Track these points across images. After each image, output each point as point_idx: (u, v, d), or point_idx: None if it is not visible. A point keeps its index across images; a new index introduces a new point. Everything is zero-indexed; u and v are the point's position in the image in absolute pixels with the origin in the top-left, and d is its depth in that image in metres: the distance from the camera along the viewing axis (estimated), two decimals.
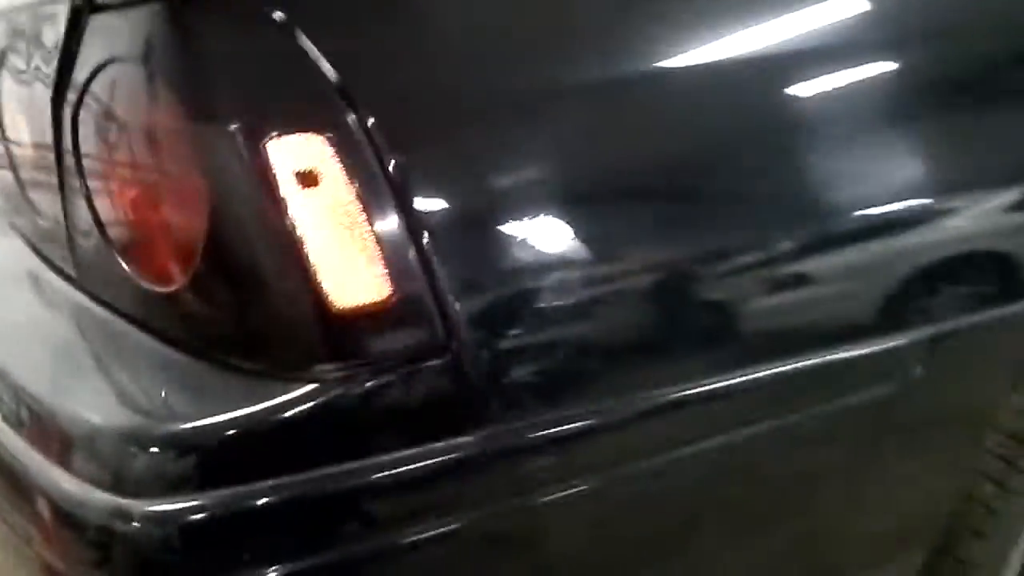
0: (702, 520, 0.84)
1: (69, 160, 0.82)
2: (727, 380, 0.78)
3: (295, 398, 0.65)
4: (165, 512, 0.63)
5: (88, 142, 0.80)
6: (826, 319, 0.81)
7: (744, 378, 0.78)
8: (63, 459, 0.69)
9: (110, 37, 0.75)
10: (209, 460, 0.65)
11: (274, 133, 0.64)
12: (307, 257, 0.65)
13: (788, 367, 0.79)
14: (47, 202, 0.92)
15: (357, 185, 0.65)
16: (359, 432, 0.68)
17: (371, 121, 0.65)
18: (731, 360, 0.78)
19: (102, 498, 0.65)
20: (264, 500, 0.64)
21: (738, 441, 0.80)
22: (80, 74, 0.78)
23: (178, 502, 0.64)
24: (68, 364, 0.80)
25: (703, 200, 0.77)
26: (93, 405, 0.71)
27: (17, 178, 1.02)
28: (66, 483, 0.67)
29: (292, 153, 0.65)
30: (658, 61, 0.75)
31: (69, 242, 0.87)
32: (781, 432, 0.82)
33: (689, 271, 0.76)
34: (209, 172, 0.67)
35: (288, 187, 0.64)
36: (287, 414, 0.65)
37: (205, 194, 0.67)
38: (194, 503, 0.64)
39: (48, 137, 0.85)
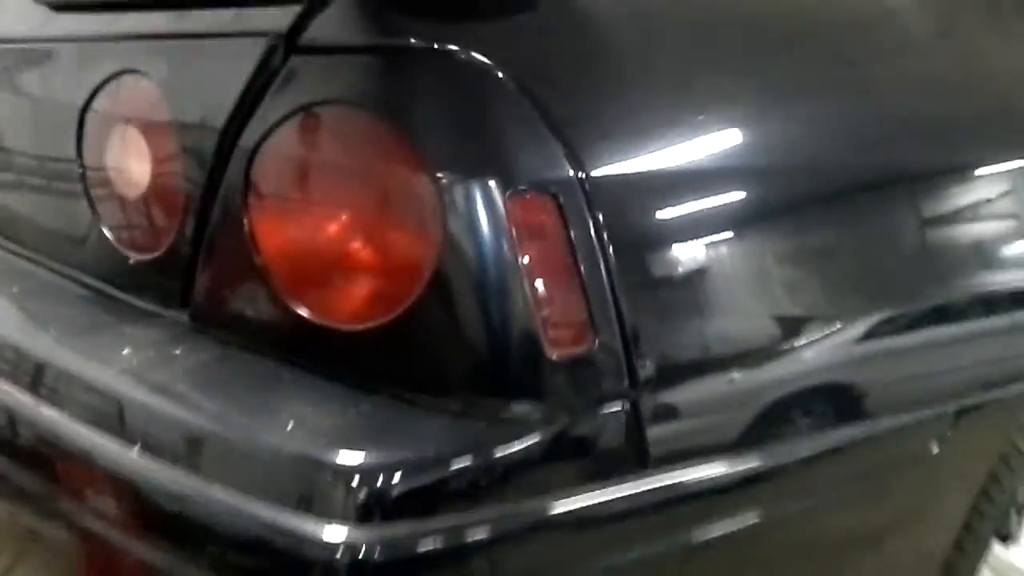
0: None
1: (231, 196, 0.81)
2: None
3: (505, 435, 0.71)
4: (392, 538, 0.67)
5: (268, 179, 0.79)
6: None
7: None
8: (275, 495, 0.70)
9: (316, 79, 0.78)
10: (429, 492, 0.69)
11: (511, 190, 0.70)
12: (530, 304, 0.71)
13: None
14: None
15: (575, 242, 0.72)
16: (553, 468, 0.73)
17: (591, 185, 0.72)
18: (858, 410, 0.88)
19: (331, 528, 0.67)
20: (471, 531, 0.69)
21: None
22: (269, 112, 0.78)
23: (399, 529, 0.67)
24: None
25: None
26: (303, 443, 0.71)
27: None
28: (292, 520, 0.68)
29: (526, 209, 0.71)
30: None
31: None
32: None
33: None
34: (441, 219, 0.71)
35: (519, 240, 0.70)
36: (499, 451, 0.70)
37: (434, 240, 0.71)
38: (415, 530, 0.67)
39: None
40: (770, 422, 0.83)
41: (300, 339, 0.78)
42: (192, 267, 0.84)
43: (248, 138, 0.79)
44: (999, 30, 1.18)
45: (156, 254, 0.87)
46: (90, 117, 0.93)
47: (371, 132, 0.75)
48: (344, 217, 0.75)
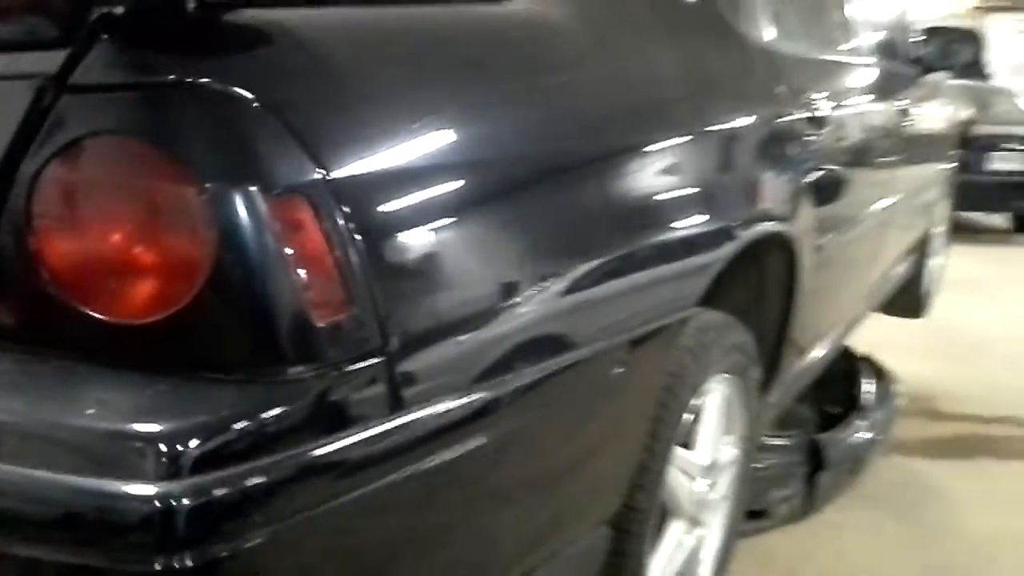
0: None
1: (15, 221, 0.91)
2: None
3: (283, 393, 0.86)
4: (193, 488, 0.79)
5: (50, 204, 0.90)
6: None
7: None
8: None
9: (87, 113, 0.91)
10: (222, 448, 0.81)
11: (269, 194, 0.87)
12: (295, 286, 0.87)
13: None
14: None
15: (327, 232, 0.89)
16: (325, 415, 0.89)
17: (335, 185, 0.91)
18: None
19: (144, 487, 0.78)
20: (256, 476, 0.82)
21: None
22: (44, 146, 0.90)
23: (198, 481, 0.80)
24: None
25: None
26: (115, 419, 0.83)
27: None
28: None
29: (284, 209, 0.88)
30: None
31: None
32: None
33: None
34: (213, 223, 0.86)
35: (280, 234, 0.87)
36: (278, 407, 0.85)
37: (207, 241, 0.86)
38: (213, 480, 0.80)
39: None
40: (492, 364, 1.06)
41: (97, 339, 0.90)
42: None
43: (26, 170, 0.90)
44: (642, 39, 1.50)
45: None
46: None
47: (144, 156, 0.89)
48: (124, 230, 0.90)
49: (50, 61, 0.91)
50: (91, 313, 0.89)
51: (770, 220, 1.67)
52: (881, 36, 2.87)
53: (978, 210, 7.98)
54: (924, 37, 3.12)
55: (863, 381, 3.10)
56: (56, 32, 0.94)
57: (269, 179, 0.87)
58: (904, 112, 2.82)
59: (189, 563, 0.78)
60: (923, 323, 4.28)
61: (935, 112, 3.39)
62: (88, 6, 0.90)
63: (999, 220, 8.33)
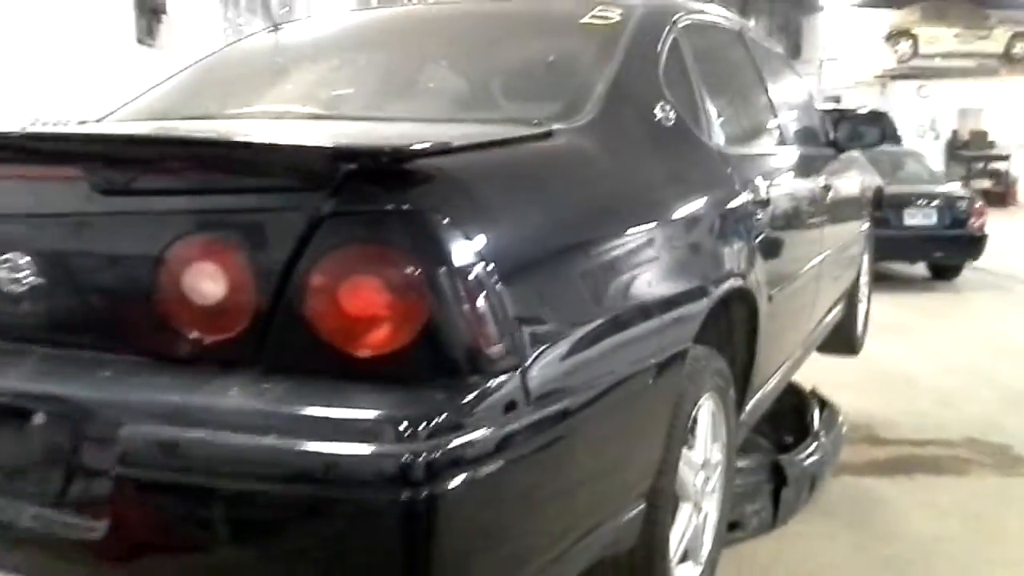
0: None
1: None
2: None
3: (467, 393, 1.32)
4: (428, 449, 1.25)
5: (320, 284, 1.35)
6: None
7: None
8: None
9: (343, 230, 1.35)
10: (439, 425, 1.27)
11: (458, 274, 1.35)
12: (470, 329, 1.34)
13: None
14: None
15: (489, 297, 1.37)
16: (489, 409, 1.34)
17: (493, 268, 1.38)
18: None
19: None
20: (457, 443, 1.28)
21: None
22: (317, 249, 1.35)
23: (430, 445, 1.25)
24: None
25: None
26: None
27: None
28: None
29: (464, 284, 1.36)
30: None
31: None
32: None
33: None
34: (425, 294, 1.32)
35: (463, 299, 1.34)
36: (465, 401, 1.32)
37: (423, 305, 1.32)
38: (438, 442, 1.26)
39: None
40: (581, 375, 1.53)
41: (353, 366, 1.34)
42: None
43: (302, 266, 1.35)
44: None
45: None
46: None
47: (381, 255, 1.34)
48: (370, 299, 1.33)
49: (316, 198, 1.35)
50: (348, 350, 1.33)
51: (734, 277, 2.18)
52: (801, 127, 3.46)
53: (899, 260, 8.68)
54: (835, 123, 3.71)
55: (812, 412, 3.55)
56: (321, 179, 1.35)
57: (455, 265, 1.32)
58: (825, 185, 3.39)
59: (423, 494, 1.22)
60: (857, 362, 4.78)
61: (850, 182, 3.97)
62: (340, 163, 1.34)
63: (919, 269, 9.03)
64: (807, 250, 3.08)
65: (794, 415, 3.58)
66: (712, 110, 2.39)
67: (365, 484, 1.24)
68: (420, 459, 1.22)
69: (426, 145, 1.40)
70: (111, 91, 6.77)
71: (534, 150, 1.70)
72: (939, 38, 18.05)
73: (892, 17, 18.53)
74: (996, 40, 18.02)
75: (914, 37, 18.01)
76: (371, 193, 1.35)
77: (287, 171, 1.41)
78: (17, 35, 4.66)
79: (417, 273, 1.31)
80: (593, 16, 2.24)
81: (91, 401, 1.42)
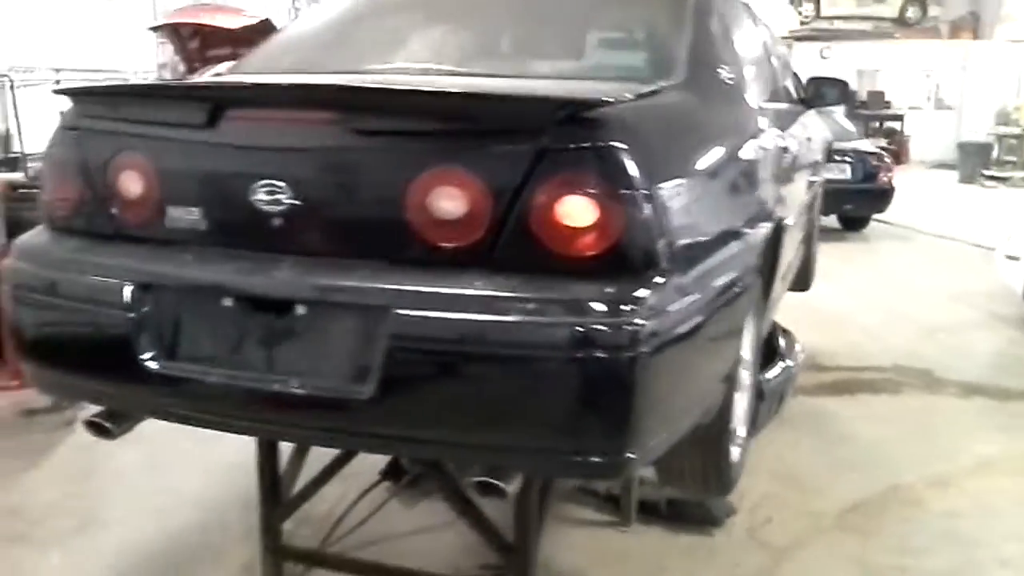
0: None
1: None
2: None
3: (643, 285, 1.77)
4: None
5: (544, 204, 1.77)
6: None
7: None
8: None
9: (558, 163, 1.76)
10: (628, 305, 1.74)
11: (637, 192, 1.78)
12: (647, 237, 1.80)
13: None
14: None
15: (658, 214, 1.82)
16: (657, 297, 1.79)
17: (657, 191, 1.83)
18: None
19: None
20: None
21: None
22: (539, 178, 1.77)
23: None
24: None
25: None
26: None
27: None
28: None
29: (643, 200, 1.80)
30: None
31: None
32: None
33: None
34: (618, 209, 1.77)
35: (641, 215, 1.79)
36: (644, 291, 1.77)
37: (619, 218, 1.76)
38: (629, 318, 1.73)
39: None
40: (708, 279, 2.00)
41: (567, 265, 1.77)
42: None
43: (527, 193, 1.77)
44: None
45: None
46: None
47: (587, 181, 1.76)
48: (583, 214, 1.76)
49: (537, 137, 1.76)
50: (562, 252, 1.77)
51: (779, 208, 2.71)
52: (788, 86, 3.96)
53: None
54: (805, 84, 4.24)
55: (778, 338, 4.09)
56: (541, 122, 1.76)
57: (639, 187, 1.76)
58: (807, 136, 3.96)
59: (636, 353, 1.71)
60: (792, 302, 5.37)
61: (817, 134, 4.53)
62: (555, 110, 1.75)
63: (831, 221, 9.75)
64: (799, 191, 3.64)
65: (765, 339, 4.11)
66: (746, 72, 2.86)
67: (594, 346, 1.69)
68: (630, 328, 1.70)
69: (611, 98, 1.79)
70: (62, 35, 6.82)
71: (660, 102, 2.11)
72: (839, 1, 18.96)
73: None
74: (891, 5, 19.01)
75: (817, 0, 18.86)
76: (579, 133, 1.75)
77: (515, 116, 1.81)
78: None
79: (615, 193, 1.74)
80: None
81: (362, 291, 1.81)
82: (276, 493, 2.52)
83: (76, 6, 7.31)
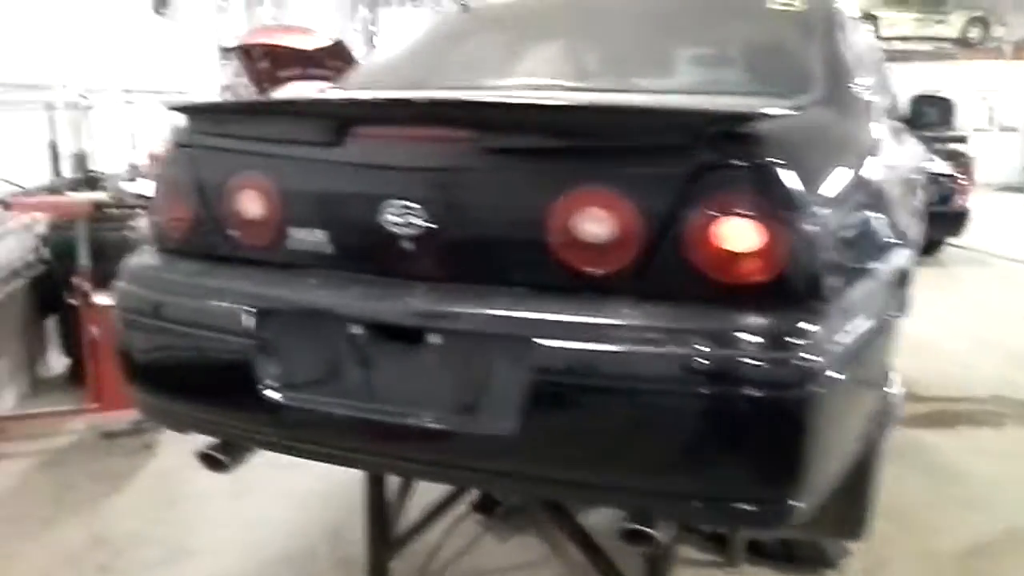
0: None
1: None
2: None
3: (808, 314, 1.63)
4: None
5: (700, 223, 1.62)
6: None
7: None
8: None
9: (716, 181, 1.62)
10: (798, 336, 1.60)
11: (800, 215, 1.65)
12: (816, 263, 1.66)
13: None
14: None
15: (818, 236, 1.67)
16: (822, 326, 1.63)
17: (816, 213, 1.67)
18: None
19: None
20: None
21: None
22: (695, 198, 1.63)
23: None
24: None
25: None
26: None
27: None
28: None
29: (805, 222, 1.66)
30: None
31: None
32: None
33: None
34: (782, 234, 1.62)
35: (805, 238, 1.65)
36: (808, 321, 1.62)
37: (782, 245, 1.61)
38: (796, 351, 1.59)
39: None
40: (863, 303, 1.81)
41: (720, 293, 1.62)
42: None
43: (682, 212, 1.64)
44: None
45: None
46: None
47: (742, 202, 1.62)
48: (741, 238, 1.61)
49: (693, 154, 1.62)
50: (719, 279, 1.62)
51: (910, 232, 2.50)
52: (894, 103, 3.80)
53: None
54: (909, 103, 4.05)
55: None
56: (697, 138, 1.62)
57: (804, 209, 1.63)
58: (919, 157, 3.83)
59: (805, 392, 1.56)
60: None
61: (921, 156, 4.35)
62: (713, 126, 1.63)
63: None
64: (920, 213, 3.45)
65: None
66: (871, 88, 2.69)
67: (760, 384, 1.55)
68: (800, 364, 1.56)
69: (771, 112, 1.67)
70: (130, 57, 6.87)
71: (810, 118, 1.99)
72: (899, 22, 18.65)
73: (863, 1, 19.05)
74: (952, 25, 18.67)
75: (875, 20, 18.57)
76: (739, 149, 1.61)
77: (669, 132, 1.67)
78: (45, 4, 4.78)
79: (780, 214, 1.60)
80: (782, 3, 2.55)
81: (502, 320, 1.69)
82: (384, 530, 2.41)
83: (142, 28, 7.37)
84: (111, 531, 3.04)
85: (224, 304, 1.90)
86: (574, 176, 1.69)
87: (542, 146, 1.73)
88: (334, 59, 6.72)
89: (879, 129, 2.55)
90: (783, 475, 1.61)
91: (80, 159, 5.09)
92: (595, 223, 1.67)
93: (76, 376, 4.34)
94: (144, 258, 2.16)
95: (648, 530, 1.65)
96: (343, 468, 2.18)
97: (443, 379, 1.76)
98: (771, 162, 1.62)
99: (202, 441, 2.07)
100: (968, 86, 17.31)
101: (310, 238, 1.88)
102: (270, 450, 1.98)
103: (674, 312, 1.62)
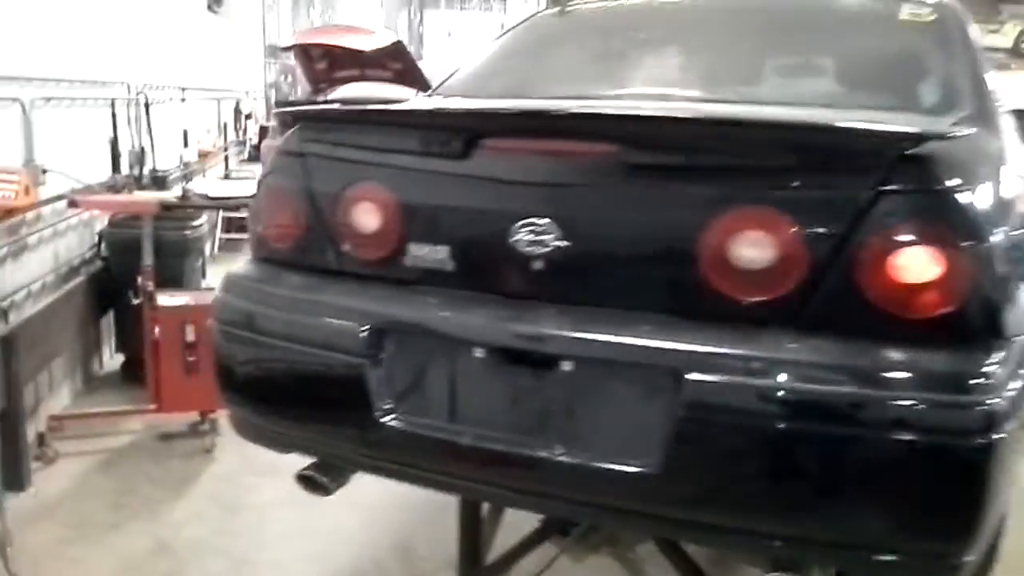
0: None
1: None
2: None
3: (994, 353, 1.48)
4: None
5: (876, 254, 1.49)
6: None
7: None
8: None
9: (897, 206, 1.48)
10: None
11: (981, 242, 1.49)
12: (997, 297, 1.50)
13: None
14: None
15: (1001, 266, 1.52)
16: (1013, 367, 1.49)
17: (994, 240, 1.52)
18: None
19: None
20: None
21: None
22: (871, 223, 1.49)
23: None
24: None
25: None
26: None
27: None
28: None
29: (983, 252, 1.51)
30: None
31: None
32: None
33: None
34: (969, 265, 1.48)
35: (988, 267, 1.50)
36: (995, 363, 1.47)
37: (965, 275, 1.47)
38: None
39: None
40: None
41: (891, 327, 1.48)
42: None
43: (856, 238, 1.49)
44: None
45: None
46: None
47: (929, 232, 1.48)
48: (925, 269, 1.47)
49: (869, 177, 1.49)
50: (893, 313, 1.48)
51: None
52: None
53: None
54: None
55: None
56: (876, 160, 1.49)
57: (984, 237, 1.49)
58: None
59: (990, 439, 1.42)
60: None
61: None
62: (893, 146, 1.48)
63: None
64: None
65: None
66: (1002, 103, 2.50)
67: (940, 429, 1.41)
68: (983, 409, 1.42)
69: (949, 132, 1.54)
70: (185, 54, 6.85)
71: (976, 138, 1.80)
72: None
73: None
74: (1006, 35, 18.28)
75: None
76: (922, 172, 1.48)
77: (842, 151, 1.54)
78: (104, 3, 4.75)
79: (963, 244, 1.47)
80: (910, 14, 2.36)
81: (648, 350, 1.56)
82: (476, 557, 2.30)
83: (195, 25, 7.36)
84: (174, 539, 2.97)
85: (335, 321, 1.79)
86: (732, 196, 1.56)
87: (696, 163, 1.60)
88: (393, 60, 6.62)
89: (1018, 145, 2.38)
90: (960, 528, 1.47)
91: (139, 156, 5.04)
92: (755, 247, 1.53)
93: (130, 375, 4.31)
94: (244, 268, 2.05)
95: None
96: None
97: (577, 410, 1.63)
98: (954, 186, 1.48)
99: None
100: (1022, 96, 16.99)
101: (431, 255, 1.77)
102: (376, 473, 1.86)
103: (842, 348, 1.48)
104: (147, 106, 5.23)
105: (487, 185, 1.72)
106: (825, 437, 1.46)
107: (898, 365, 1.45)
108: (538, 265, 1.66)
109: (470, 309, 1.71)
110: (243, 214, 8.05)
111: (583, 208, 1.66)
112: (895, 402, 1.43)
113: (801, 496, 1.51)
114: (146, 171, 5.04)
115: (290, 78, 12.31)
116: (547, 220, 1.64)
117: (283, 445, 1.96)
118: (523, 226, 1.65)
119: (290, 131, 1.99)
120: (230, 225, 7.25)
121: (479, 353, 1.68)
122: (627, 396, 1.59)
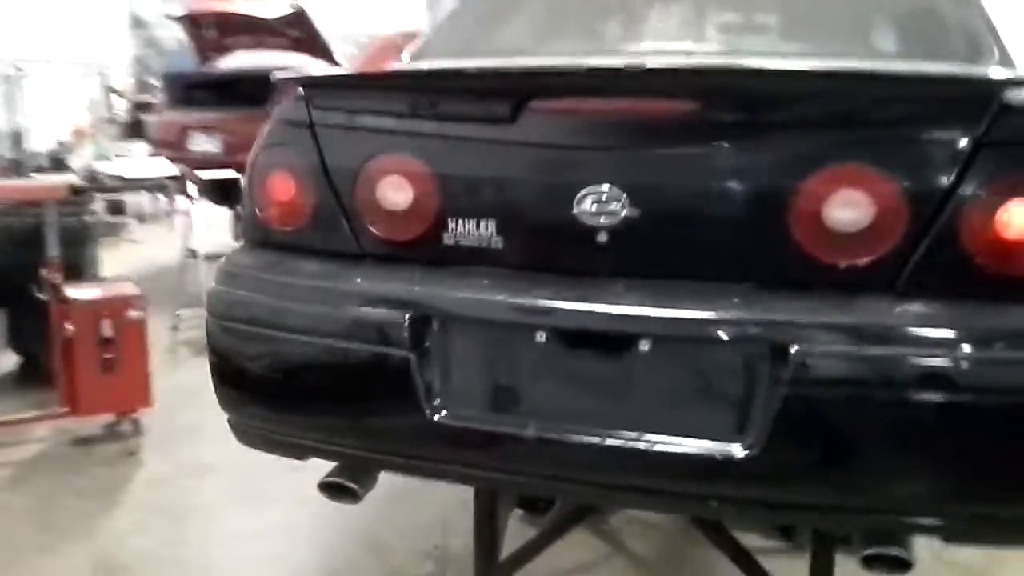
0: None
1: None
2: None
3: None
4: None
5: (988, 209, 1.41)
6: None
7: None
8: None
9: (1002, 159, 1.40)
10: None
11: None
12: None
13: None
14: None
15: None
16: None
17: None
18: None
19: None
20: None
21: None
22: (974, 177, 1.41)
23: None
24: None
25: None
26: None
27: None
28: None
29: None
30: None
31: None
32: None
33: None
34: None
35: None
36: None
37: None
38: None
39: None
40: None
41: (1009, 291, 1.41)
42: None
43: (961, 192, 1.42)
44: None
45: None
46: None
47: None
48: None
49: (973, 129, 1.40)
50: (1003, 272, 1.41)
51: None
52: None
53: None
54: None
55: None
56: (978, 112, 1.40)
57: None
58: None
59: None
60: None
61: None
62: (996, 97, 1.40)
63: None
64: None
65: None
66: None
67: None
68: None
69: None
70: (53, 25, 6.34)
71: None
72: None
73: None
74: None
75: None
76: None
77: (941, 104, 1.47)
78: None
79: None
80: None
81: (741, 324, 1.45)
82: (493, 553, 2.15)
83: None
84: (118, 553, 2.70)
85: (371, 310, 1.62)
86: (824, 153, 1.47)
87: (787, 120, 1.50)
88: (292, 28, 6.27)
89: None
90: None
91: (16, 137, 4.61)
92: (850, 207, 1.45)
93: (29, 376, 3.96)
94: (245, 257, 1.84)
95: (903, 555, 1.46)
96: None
97: (659, 393, 1.52)
98: None
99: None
100: None
101: (475, 231, 1.61)
102: (418, 475, 1.71)
103: (949, 312, 1.42)
104: (21, 81, 4.78)
105: (541, 151, 1.58)
106: (936, 407, 1.40)
107: (1013, 328, 1.39)
108: (604, 239, 1.53)
109: (528, 289, 1.56)
110: (122, 196, 7.57)
111: (656, 172, 1.54)
112: (1014, 367, 1.37)
113: (922, 468, 1.45)
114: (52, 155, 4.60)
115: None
116: (614, 187, 1.51)
117: (303, 451, 1.77)
118: (586, 195, 1.52)
119: (292, 99, 1.77)
120: (109, 208, 6.79)
121: (541, 337, 1.54)
122: (715, 374, 1.50)
